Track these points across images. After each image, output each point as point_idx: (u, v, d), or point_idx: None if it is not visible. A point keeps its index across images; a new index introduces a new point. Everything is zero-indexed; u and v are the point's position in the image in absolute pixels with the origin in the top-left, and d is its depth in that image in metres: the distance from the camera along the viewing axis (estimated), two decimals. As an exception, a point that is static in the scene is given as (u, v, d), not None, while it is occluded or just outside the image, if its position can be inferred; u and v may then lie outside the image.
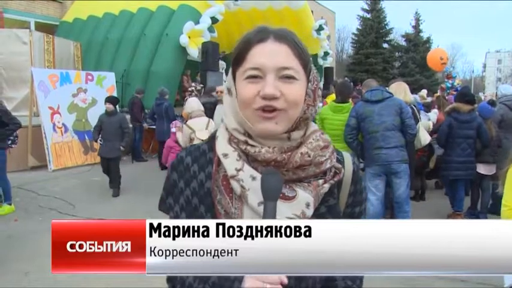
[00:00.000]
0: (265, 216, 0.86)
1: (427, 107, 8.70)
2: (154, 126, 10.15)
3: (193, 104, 5.44)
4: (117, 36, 13.20)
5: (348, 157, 1.11)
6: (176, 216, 1.07)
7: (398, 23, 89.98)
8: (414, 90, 12.78)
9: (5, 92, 9.89)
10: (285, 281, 0.83)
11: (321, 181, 1.00)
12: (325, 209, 1.02)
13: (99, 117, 7.39)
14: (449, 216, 5.96)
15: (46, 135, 8.89)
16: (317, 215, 1.00)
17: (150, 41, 12.45)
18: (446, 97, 10.21)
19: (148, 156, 10.79)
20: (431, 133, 6.25)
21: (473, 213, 6.11)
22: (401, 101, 4.89)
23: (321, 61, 17.76)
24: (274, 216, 0.86)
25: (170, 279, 1.08)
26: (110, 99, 7.45)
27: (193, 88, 12.11)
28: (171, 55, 12.12)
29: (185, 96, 11.85)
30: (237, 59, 0.99)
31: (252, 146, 0.97)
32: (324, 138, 1.03)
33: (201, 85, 11.96)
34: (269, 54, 0.94)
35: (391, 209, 5.29)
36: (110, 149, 6.98)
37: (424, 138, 5.48)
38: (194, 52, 12.19)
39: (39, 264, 4.37)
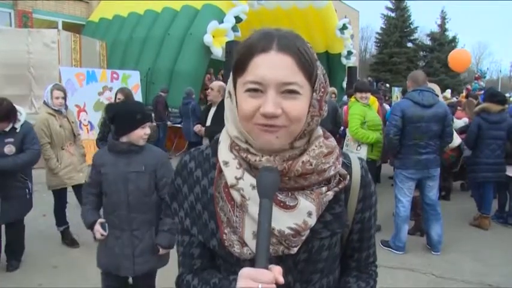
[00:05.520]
0: (260, 215, 0.83)
1: (451, 107, 8.51)
2: (178, 125, 10.23)
3: None
4: (142, 35, 13.35)
5: (355, 161, 1.08)
6: (181, 222, 1.06)
7: (424, 22, 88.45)
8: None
9: (34, 90, 10.11)
10: (281, 279, 0.80)
11: (324, 189, 0.96)
12: (331, 216, 0.99)
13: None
14: (475, 219, 5.82)
15: (73, 132, 9.05)
16: (323, 222, 0.98)
17: (175, 40, 12.52)
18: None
19: (172, 154, 10.88)
20: (459, 134, 6.10)
21: (501, 217, 5.97)
22: (447, 107, 4.77)
23: (344, 60, 17.58)
24: (270, 216, 0.82)
25: (177, 284, 1.09)
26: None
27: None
28: (195, 54, 12.17)
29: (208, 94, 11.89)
30: (238, 67, 0.92)
31: (253, 154, 0.93)
32: (328, 144, 0.98)
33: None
34: (271, 68, 0.87)
35: (413, 210, 5.17)
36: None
37: (454, 140, 5.34)
38: (218, 51, 12.21)
39: (67, 258, 4.48)
